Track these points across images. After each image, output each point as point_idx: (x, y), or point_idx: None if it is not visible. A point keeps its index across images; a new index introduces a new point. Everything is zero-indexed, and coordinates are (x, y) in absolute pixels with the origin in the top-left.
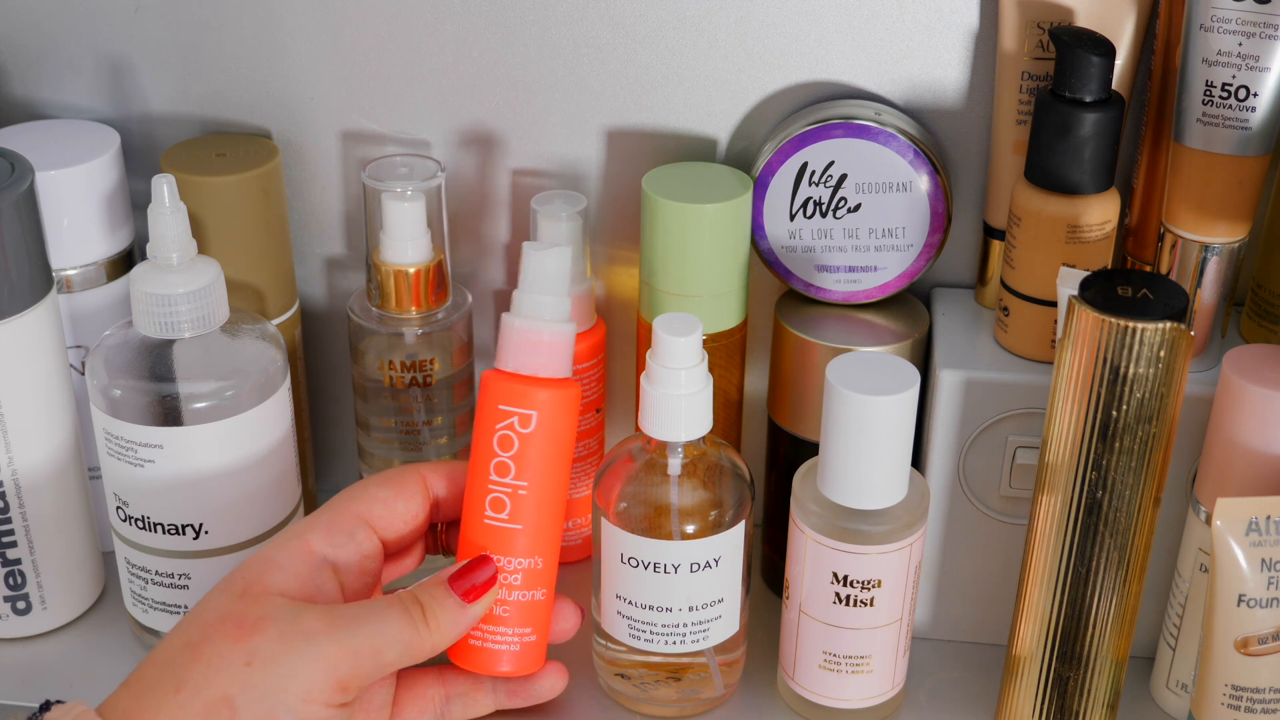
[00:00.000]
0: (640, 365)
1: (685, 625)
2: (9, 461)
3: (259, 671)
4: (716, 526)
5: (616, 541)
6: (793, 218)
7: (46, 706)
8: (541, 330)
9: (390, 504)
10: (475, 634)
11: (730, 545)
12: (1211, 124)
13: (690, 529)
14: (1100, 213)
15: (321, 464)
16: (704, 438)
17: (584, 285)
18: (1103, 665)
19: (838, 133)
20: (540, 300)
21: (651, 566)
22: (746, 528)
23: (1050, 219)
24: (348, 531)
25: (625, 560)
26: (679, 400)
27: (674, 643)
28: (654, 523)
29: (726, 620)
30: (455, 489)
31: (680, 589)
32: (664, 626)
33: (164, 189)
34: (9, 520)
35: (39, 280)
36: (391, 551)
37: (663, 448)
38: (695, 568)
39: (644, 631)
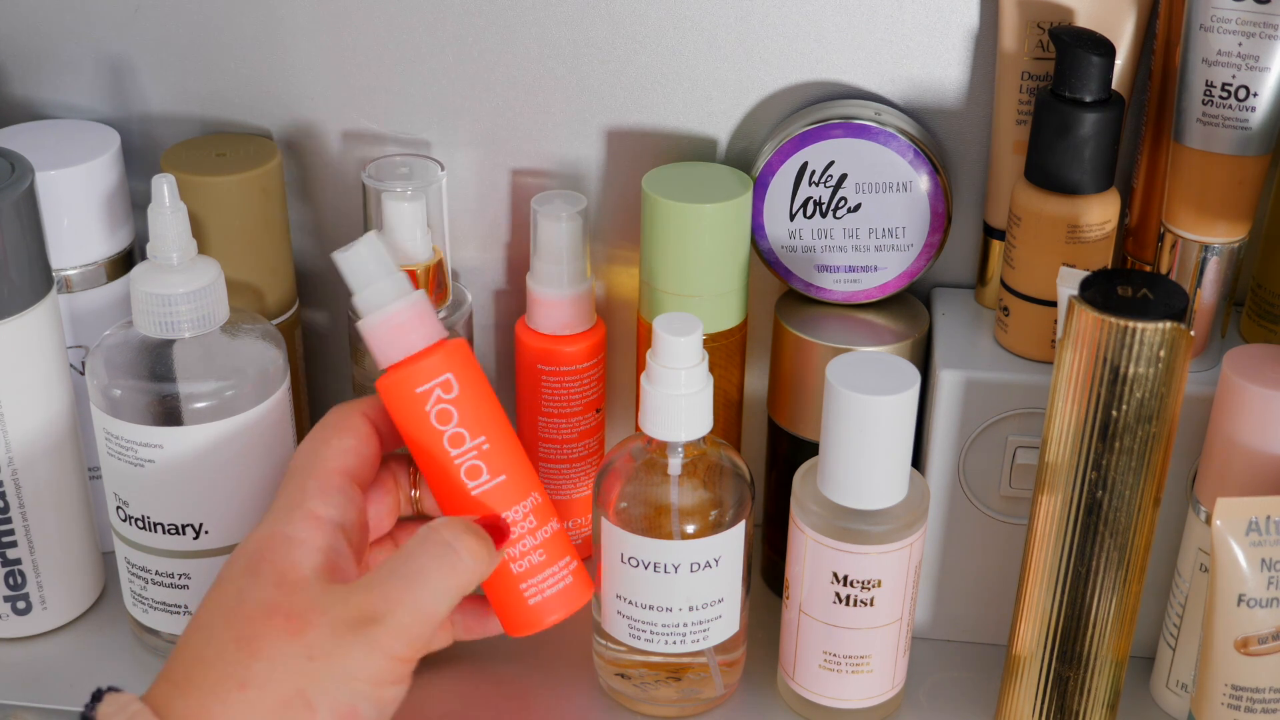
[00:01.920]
0: (640, 365)
1: (685, 625)
2: (9, 461)
3: (323, 665)
4: (716, 526)
5: (616, 541)
6: (793, 218)
7: (99, 696)
8: (401, 309)
9: (358, 451)
10: (531, 591)
11: (730, 545)
12: (1211, 124)
13: (690, 529)
14: (1100, 213)
15: None
16: (704, 438)
17: (584, 285)
18: (1103, 665)
19: (838, 133)
20: (379, 288)
21: (651, 566)
22: (746, 528)
23: (1050, 219)
24: (339, 489)
25: (625, 560)
26: (679, 400)
27: (674, 643)
28: (654, 523)
29: (726, 620)
30: (386, 418)
31: (680, 589)
32: (664, 626)
33: (164, 189)
34: (9, 520)
35: (39, 280)
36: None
37: (663, 448)
38: (695, 568)
39: (644, 631)
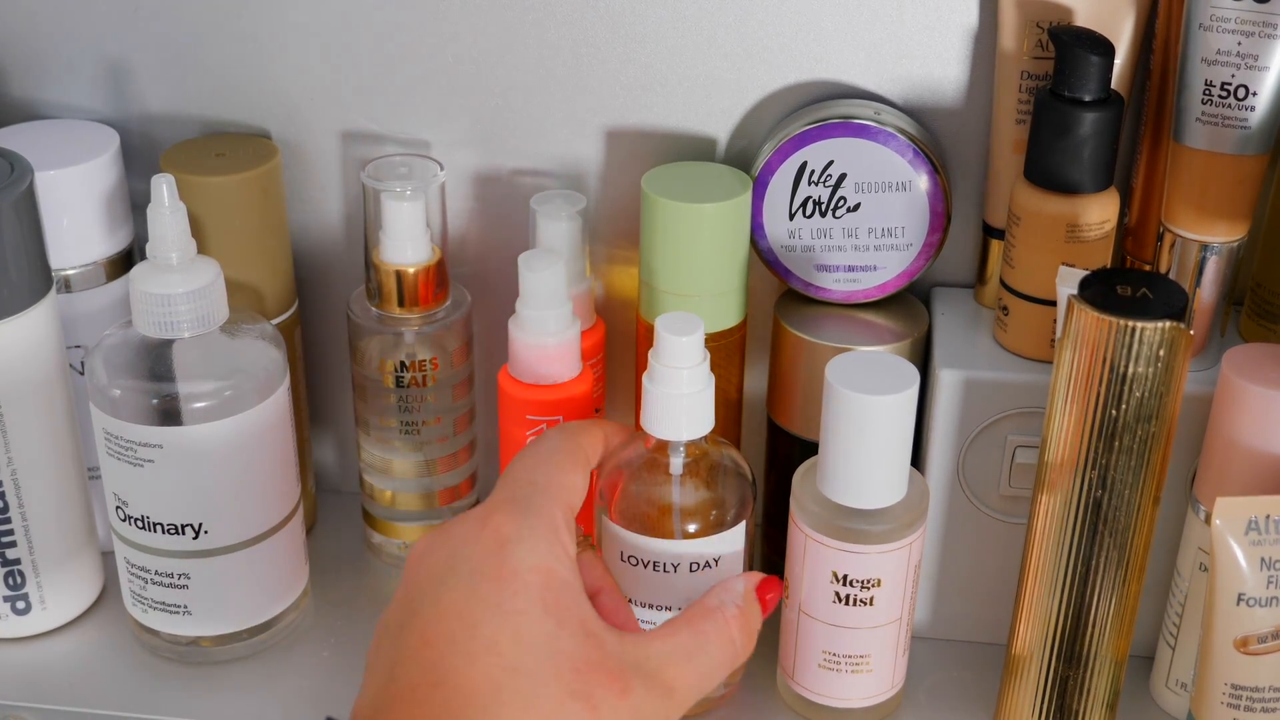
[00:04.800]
0: (640, 365)
1: None
2: (9, 461)
3: None
4: (718, 526)
5: (617, 540)
6: (792, 217)
7: None
8: (551, 345)
9: (583, 494)
10: None
11: (731, 545)
12: (1211, 123)
13: (691, 528)
14: (1100, 212)
15: (321, 464)
16: (706, 437)
17: (584, 285)
18: (1102, 664)
19: (837, 132)
20: (542, 315)
21: (652, 565)
22: (748, 527)
23: (1050, 218)
24: (572, 527)
25: (625, 559)
26: (681, 399)
27: None
28: (655, 522)
29: None
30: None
31: (680, 588)
32: None
33: (164, 189)
34: (9, 520)
35: (38, 280)
36: None
37: (664, 447)
38: (695, 567)
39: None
